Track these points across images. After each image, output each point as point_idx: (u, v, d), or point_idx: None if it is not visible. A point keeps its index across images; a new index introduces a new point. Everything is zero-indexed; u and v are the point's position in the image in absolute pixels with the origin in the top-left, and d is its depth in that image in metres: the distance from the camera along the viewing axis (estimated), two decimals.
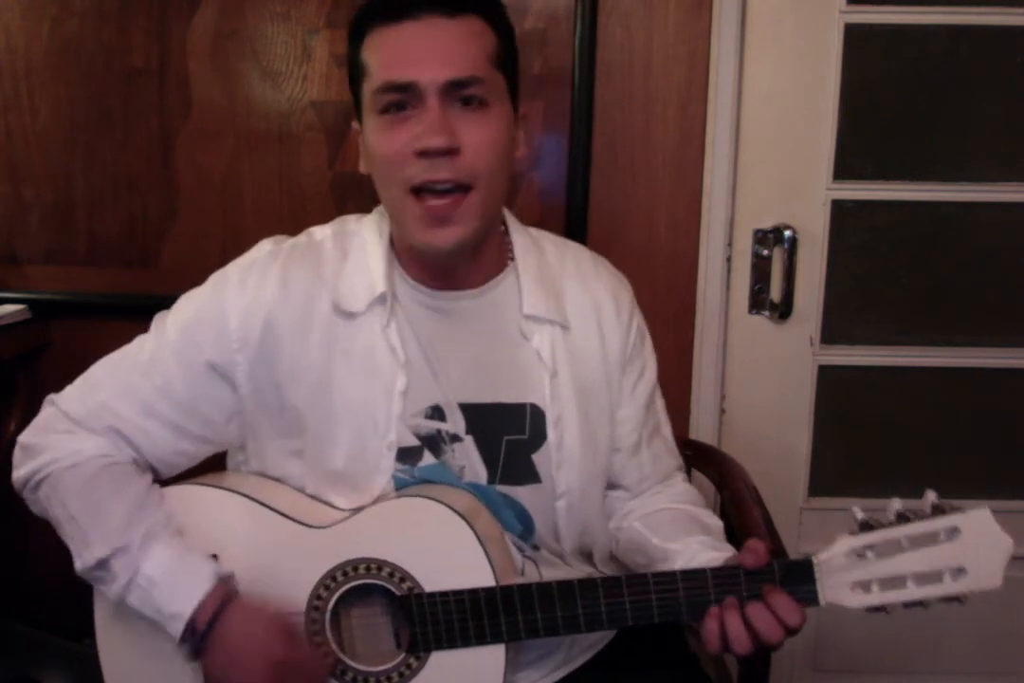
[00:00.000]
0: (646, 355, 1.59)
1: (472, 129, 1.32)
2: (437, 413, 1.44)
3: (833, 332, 2.29)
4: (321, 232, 1.51)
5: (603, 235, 2.19)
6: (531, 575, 1.47)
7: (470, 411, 1.45)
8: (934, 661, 2.40)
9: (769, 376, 2.30)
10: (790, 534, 2.27)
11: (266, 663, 1.30)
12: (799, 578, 1.24)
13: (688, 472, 2.01)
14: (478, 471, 1.45)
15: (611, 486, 1.58)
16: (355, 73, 1.39)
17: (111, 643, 1.44)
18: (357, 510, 1.40)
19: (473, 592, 1.32)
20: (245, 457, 1.52)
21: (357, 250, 1.46)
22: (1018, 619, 2.36)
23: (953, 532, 1.20)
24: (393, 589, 1.34)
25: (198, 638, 1.31)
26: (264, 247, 1.49)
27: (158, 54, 2.18)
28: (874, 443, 2.34)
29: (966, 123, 2.21)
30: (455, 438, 1.45)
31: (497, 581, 1.32)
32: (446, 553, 1.34)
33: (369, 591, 1.36)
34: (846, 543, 1.22)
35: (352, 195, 2.20)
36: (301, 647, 1.34)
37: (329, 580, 1.36)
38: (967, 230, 2.25)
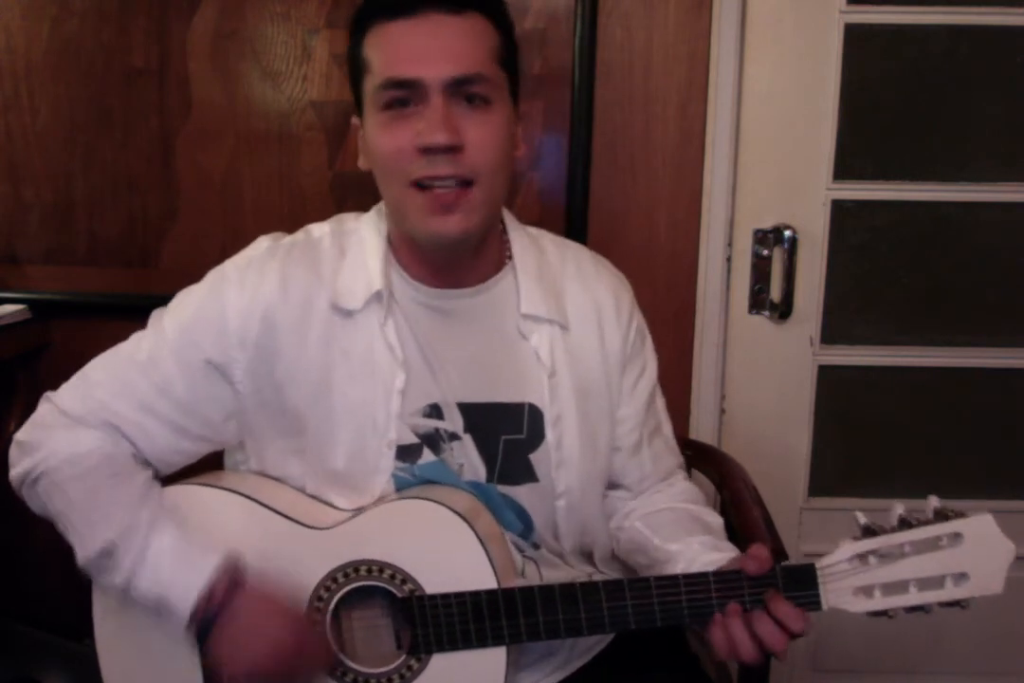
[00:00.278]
0: (646, 355, 1.59)
1: (475, 127, 1.32)
2: (435, 412, 1.44)
3: (833, 332, 2.29)
4: (319, 230, 1.50)
5: (603, 235, 2.19)
6: (531, 576, 1.47)
7: (468, 410, 1.45)
8: (934, 661, 2.41)
9: (769, 376, 2.30)
10: (790, 534, 2.28)
11: (272, 647, 1.30)
12: (802, 583, 1.24)
13: (688, 472, 2.01)
14: (477, 469, 1.45)
15: (612, 486, 1.58)
16: (356, 69, 1.38)
17: (109, 643, 1.44)
18: (358, 511, 1.40)
19: (475, 594, 1.32)
20: (244, 456, 1.51)
21: (355, 248, 1.46)
22: (1018, 619, 2.36)
23: (955, 537, 1.20)
24: (394, 591, 1.34)
25: (210, 617, 1.30)
26: (262, 244, 1.48)
27: (158, 54, 2.18)
28: (874, 443, 2.34)
29: (966, 123, 2.21)
30: (453, 436, 1.45)
31: (499, 583, 1.32)
32: (448, 555, 1.34)
33: (370, 593, 1.36)
34: (849, 548, 1.22)
35: (352, 195, 2.20)
36: (307, 634, 1.34)
37: (330, 581, 1.36)
38: (967, 230, 2.25)
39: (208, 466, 1.54)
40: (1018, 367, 2.30)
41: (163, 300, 1.51)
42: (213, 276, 1.47)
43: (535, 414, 1.46)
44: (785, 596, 1.24)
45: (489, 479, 1.46)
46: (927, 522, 1.21)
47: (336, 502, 1.44)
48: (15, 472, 1.45)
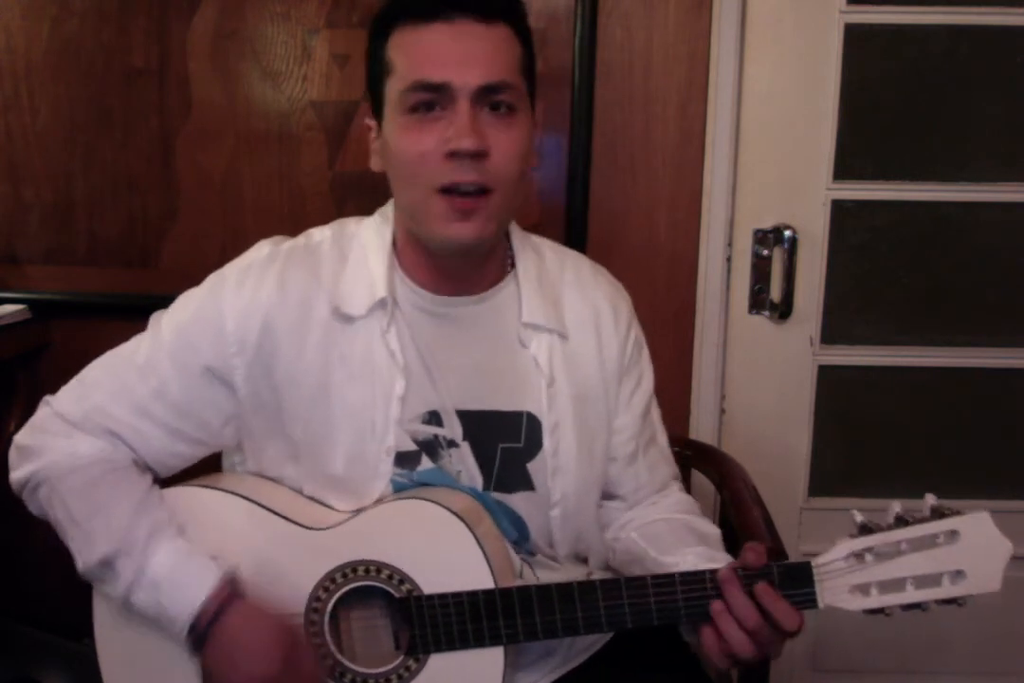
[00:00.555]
0: (643, 365, 1.59)
1: (499, 134, 1.32)
2: (434, 418, 1.44)
3: (833, 332, 2.29)
4: (320, 234, 1.50)
5: (603, 235, 2.19)
6: (528, 578, 1.47)
7: (467, 418, 1.45)
8: (934, 661, 2.41)
9: (769, 376, 2.30)
10: (790, 534, 2.27)
11: (266, 662, 1.30)
12: (798, 581, 1.24)
13: (688, 472, 2.02)
14: (474, 477, 1.45)
15: (607, 496, 1.58)
16: (377, 71, 1.38)
17: (110, 643, 1.44)
18: (356, 512, 1.40)
19: (472, 594, 1.32)
20: (242, 458, 1.51)
21: (357, 253, 1.46)
22: (1018, 619, 2.36)
23: (952, 535, 1.20)
24: (392, 591, 1.34)
25: (201, 633, 1.31)
26: (262, 249, 1.48)
27: (158, 54, 2.18)
28: (874, 443, 2.34)
29: (966, 123, 2.21)
30: (452, 444, 1.44)
31: (496, 583, 1.32)
32: (445, 555, 1.34)
33: (368, 593, 1.36)
34: (845, 546, 1.22)
35: (352, 195, 2.20)
36: (302, 649, 1.34)
37: (328, 582, 1.36)
38: (967, 230, 2.25)
39: (207, 467, 1.54)
40: (1018, 367, 2.30)
41: (163, 300, 1.51)
42: (213, 279, 1.47)
43: (533, 423, 1.46)
44: (781, 594, 1.24)
45: (486, 487, 1.46)
46: (924, 520, 1.21)
47: (334, 505, 1.44)
48: (15, 476, 1.45)
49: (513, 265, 1.50)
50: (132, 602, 1.34)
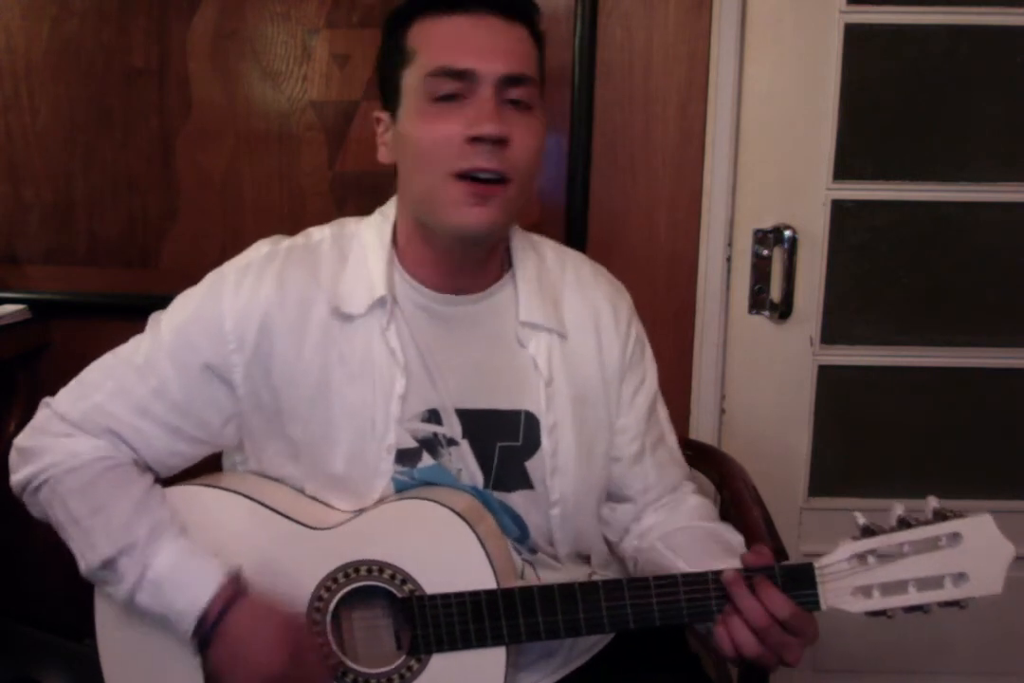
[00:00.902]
0: (646, 364, 1.59)
1: (519, 127, 1.33)
2: (434, 417, 1.44)
3: (833, 332, 2.29)
4: (319, 233, 1.50)
5: (603, 235, 2.19)
6: (530, 578, 1.47)
7: (466, 416, 1.45)
8: (934, 661, 2.41)
9: (769, 376, 2.30)
10: (790, 534, 2.27)
11: (274, 660, 1.30)
12: (800, 583, 1.24)
13: None
14: (474, 475, 1.45)
15: (617, 498, 1.58)
16: (394, 60, 1.38)
17: (112, 643, 1.44)
18: (359, 512, 1.40)
19: (474, 594, 1.32)
20: (243, 457, 1.51)
21: (356, 252, 1.46)
22: (1018, 620, 2.36)
23: (954, 538, 1.21)
24: (395, 591, 1.34)
25: (207, 632, 1.31)
26: (261, 248, 1.48)
27: (158, 54, 2.18)
28: (874, 443, 2.34)
29: (966, 123, 2.21)
30: (451, 442, 1.44)
31: (498, 583, 1.32)
32: (448, 555, 1.34)
33: (370, 593, 1.36)
34: (848, 548, 1.22)
35: (352, 195, 2.20)
36: (308, 646, 1.34)
37: (330, 582, 1.36)
38: (967, 230, 2.25)
39: (208, 467, 1.54)
40: (1018, 367, 2.30)
41: (163, 300, 1.51)
42: (211, 278, 1.47)
43: (531, 421, 1.46)
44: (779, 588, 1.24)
45: (486, 485, 1.46)
46: (926, 522, 1.22)
47: (335, 505, 1.44)
48: (16, 478, 1.45)
49: (511, 264, 1.50)
50: (136, 603, 1.34)
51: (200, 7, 2.16)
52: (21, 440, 1.47)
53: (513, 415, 1.46)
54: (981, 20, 2.16)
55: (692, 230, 2.22)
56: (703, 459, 2.05)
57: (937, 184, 2.23)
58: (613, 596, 1.29)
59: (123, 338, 1.50)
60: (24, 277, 2.28)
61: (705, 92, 2.17)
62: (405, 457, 1.43)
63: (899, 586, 1.22)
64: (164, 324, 1.46)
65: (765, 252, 2.24)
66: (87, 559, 1.36)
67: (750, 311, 2.27)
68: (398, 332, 1.42)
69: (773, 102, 2.20)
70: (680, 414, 2.24)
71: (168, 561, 1.33)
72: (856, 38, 2.17)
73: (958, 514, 1.21)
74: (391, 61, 1.39)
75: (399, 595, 1.34)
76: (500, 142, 1.30)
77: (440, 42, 1.34)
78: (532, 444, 1.46)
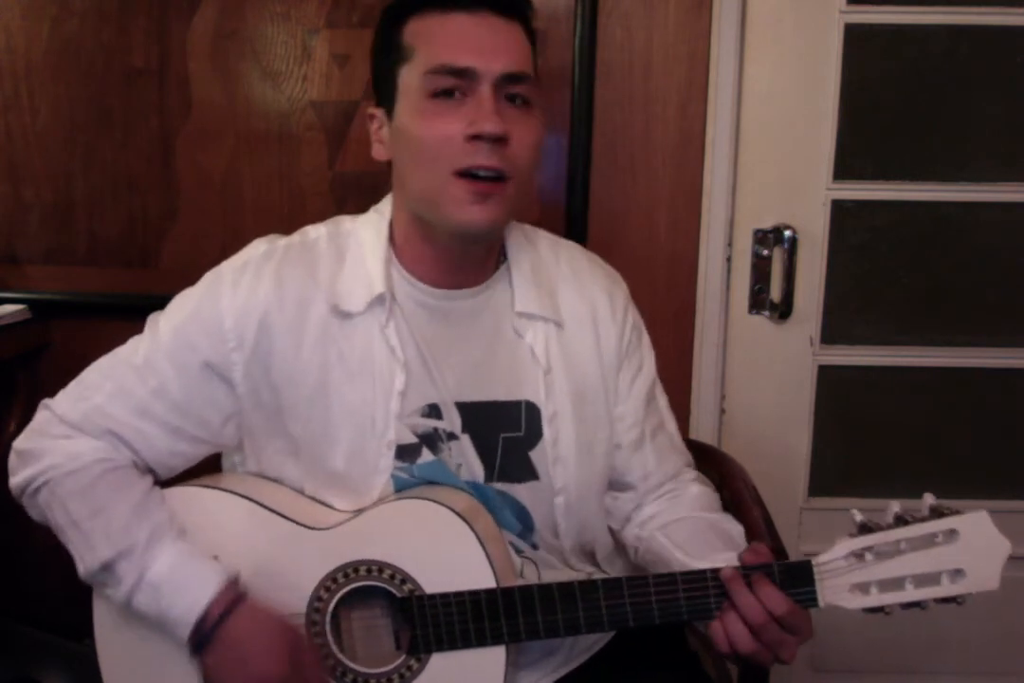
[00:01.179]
0: (643, 351, 1.59)
1: (518, 125, 1.33)
2: (434, 412, 1.44)
3: (833, 332, 2.29)
4: (315, 231, 1.50)
5: (603, 235, 2.19)
6: (530, 577, 1.47)
7: (466, 409, 1.45)
8: (934, 661, 2.41)
9: (769, 376, 2.30)
10: (790, 534, 2.27)
11: (273, 664, 1.30)
12: (798, 580, 1.24)
13: None
14: (474, 469, 1.45)
15: (619, 487, 1.57)
16: (390, 56, 1.38)
17: (110, 644, 1.44)
18: (358, 512, 1.40)
19: (474, 594, 1.32)
20: (242, 457, 1.51)
21: (353, 249, 1.46)
22: (1018, 619, 2.36)
23: (951, 534, 1.21)
24: (394, 591, 1.34)
25: (205, 635, 1.31)
26: (259, 247, 1.47)
27: (158, 54, 2.18)
28: (874, 443, 2.34)
29: (966, 123, 2.21)
30: (451, 436, 1.44)
31: (498, 583, 1.32)
32: (447, 555, 1.34)
33: (370, 593, 1.36)
34: (845, 545, 1.22)
35: (352, 195, 2.20)
36: (306, 650, 1.34)
37: (330, 582, 1.36)
38: (967, 230, 2.25)
39: (207, 467, 1.54)
40: (1018, 367, 2.30)
41: (163, 300, 1.50)
42: (209, 278, 1.47)
43: (532, 411, 1.46)
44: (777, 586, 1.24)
45: (488, 479, 1.45)
46: (923, 519, 1.22)
47: (335, 504, 1.43)
48: (15, 481, 1.45)
49: (506, 257, 1.50)
50: (134, 605, 1.34)
51: (200, 7, 2.16)
52: (20, 442, 1.46)
53: (513, 406, 1.46)
54: (981, 20, 2.16)
55: (692, 230, 2.22)
56: (703, 459, 2.04)
57: (937, 184, 2.23)
58: (612, 595, 1.29)
59: (123, 338, 1.50)
60: (24, 277, 2.28)
61: (705, 92, 2.17)
62: (405, 453, 1.43)
63: (896, 583, 1.22)
64: (162, 324, 1.46)
65: (765, 252, 2.24)
66: (86, 561, 1.36)
67: (750, 311, 2.27)
68: (397, 329, 1.42)
69: (773, 102, 2.20)
70: (680, 414, 2.20)
71: (167, 564, 1.33)
72: (856, 38, 2.17)
73: (954, 511, 1.21)
74: (387, 58, 1.39)
75: (398, 595, 1.34)
76: (500, 140, 1.30)
77: (439, 40, 1.34)
78: (534, 434, 1.46)
